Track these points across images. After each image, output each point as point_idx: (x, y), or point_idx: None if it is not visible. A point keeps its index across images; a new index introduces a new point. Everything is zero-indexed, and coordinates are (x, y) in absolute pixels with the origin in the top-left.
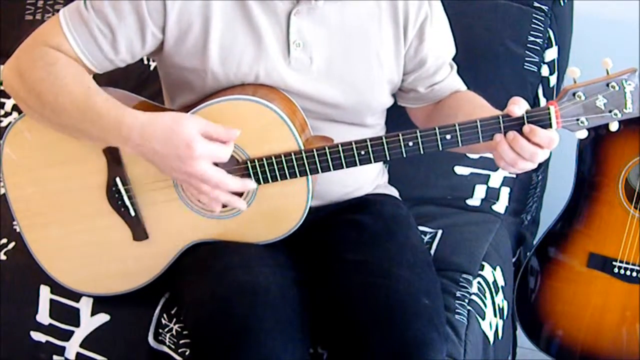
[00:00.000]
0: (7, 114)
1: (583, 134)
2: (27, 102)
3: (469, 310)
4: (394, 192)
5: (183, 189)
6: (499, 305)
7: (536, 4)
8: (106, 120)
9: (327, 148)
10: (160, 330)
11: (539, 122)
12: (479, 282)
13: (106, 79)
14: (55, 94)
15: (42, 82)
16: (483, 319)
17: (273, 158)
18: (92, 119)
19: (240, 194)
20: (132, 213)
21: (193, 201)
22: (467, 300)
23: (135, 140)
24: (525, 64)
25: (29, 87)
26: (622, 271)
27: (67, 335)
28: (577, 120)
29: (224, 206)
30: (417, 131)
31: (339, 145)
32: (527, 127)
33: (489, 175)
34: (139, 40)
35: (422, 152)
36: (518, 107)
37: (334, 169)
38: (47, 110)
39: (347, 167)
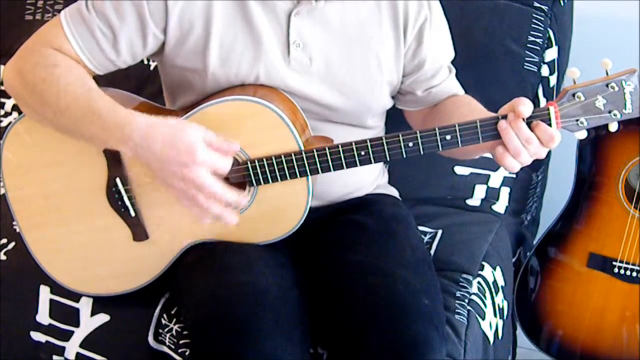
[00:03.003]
0: (7, 114)
1: (582, 134)
2: (28, 103)
3: (469, 310)
4: (394, 192)
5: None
6: (499, 305)
7: (536, 4)
8: (108, 121)
9: (327, 149)
10: (160, 330)
11: None
12: (479, 282)
13: (106, 79)
14: (56, 94)
15: (43, 82)
16: (483, 319)
17: (273, 158)
18: (93, 120)
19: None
20: (133, 213)
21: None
22: (467, 300)
23: (137, 141)
24: (525, 64)
25: (30, 87)
26: (622, 271)
27: (67, 336)
28: (577, 120)
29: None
30: (417, 132)
31: (339, 146)
32: (534, 122)
33: (489, 175)
34: (140, 41)
35: (422, 152)
36: (525, 107)
37: (334, 170)
38: (48, 111)
39: (347, 167)
